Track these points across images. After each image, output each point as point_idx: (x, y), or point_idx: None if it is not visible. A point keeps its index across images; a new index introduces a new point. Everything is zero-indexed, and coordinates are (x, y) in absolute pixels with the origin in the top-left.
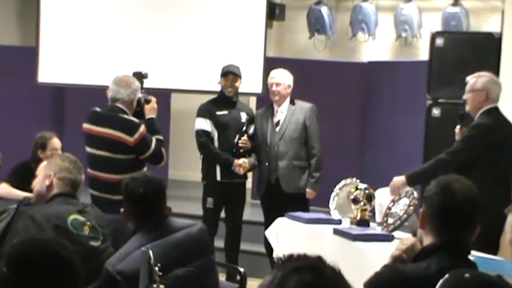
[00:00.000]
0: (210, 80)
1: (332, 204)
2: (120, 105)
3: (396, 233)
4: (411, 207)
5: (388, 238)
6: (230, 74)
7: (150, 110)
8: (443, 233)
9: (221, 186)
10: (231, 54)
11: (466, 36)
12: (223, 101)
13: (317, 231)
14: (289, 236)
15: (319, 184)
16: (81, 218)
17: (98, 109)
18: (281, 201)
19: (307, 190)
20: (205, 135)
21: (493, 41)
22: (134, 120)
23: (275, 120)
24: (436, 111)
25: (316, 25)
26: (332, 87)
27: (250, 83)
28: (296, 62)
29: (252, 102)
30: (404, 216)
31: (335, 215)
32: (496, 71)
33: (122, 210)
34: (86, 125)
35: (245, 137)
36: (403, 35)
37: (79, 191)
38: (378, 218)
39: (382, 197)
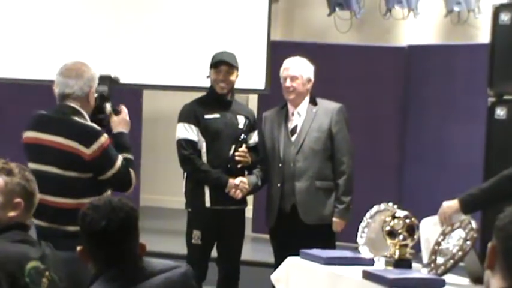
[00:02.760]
0: (196, 72)
1: (361, 238)
2: (72, 104)
3: (448, 277)
4: (468, 242)
5: (438, 284)
6: (223, 65)
7: (120, 123)
8: None
9: (211, 215)
10: (224, 37)
11: None
12: (214, 100)
13: (340, 274)
14: (303, 282)
15: (350, 212)
16: (40, 265)
17: (44, 112)
18: (299, 236)
19: (334, 220)
20: (190, 146)
21: None
22: (93, 126)
23: (290, 126)
24: (500, 112)
25: None
26: (360, 81)
27: (249, 75)
28: (311, 47)
29: (253, 102)
30: (459, 254)
31: (365, 252)
32: None
33: (78, 248)
34: (29, 134)
35: (243, 148)
36: (456, 9)
37: None
38: (425, 258)
39: (430, 229)
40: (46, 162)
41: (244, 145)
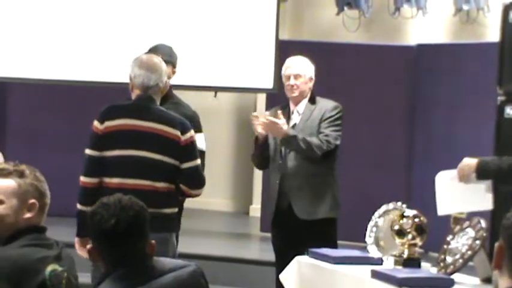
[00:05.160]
0: (203, 72)
1: (369, 237)
2: (151, 95)
3: (457, 276)
4: (478, 241)
5: (447, 283)
6: None
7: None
8: None
9: None
10: (232, 37)
11: None
12: None
13: (349, 273)
14: (311, 281)
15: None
16: (58, 267)
17: (124, 103)
18: (294, 233)
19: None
20: None
21: None
22: (182, 118)
23: (290, 123)
24: (510, 111)
25: None
26: (368, 79)
27: (257, 75)
28: (319, 46)
29: (261, 101)
30: (469, 253)
31: (373, 252)
32: None
33: (87, 246)
34: (119, 121)
35: None
36: (465, 7)
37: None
38: (440, 210)
39: (445, 183)
40: (142, 148)
41: None
